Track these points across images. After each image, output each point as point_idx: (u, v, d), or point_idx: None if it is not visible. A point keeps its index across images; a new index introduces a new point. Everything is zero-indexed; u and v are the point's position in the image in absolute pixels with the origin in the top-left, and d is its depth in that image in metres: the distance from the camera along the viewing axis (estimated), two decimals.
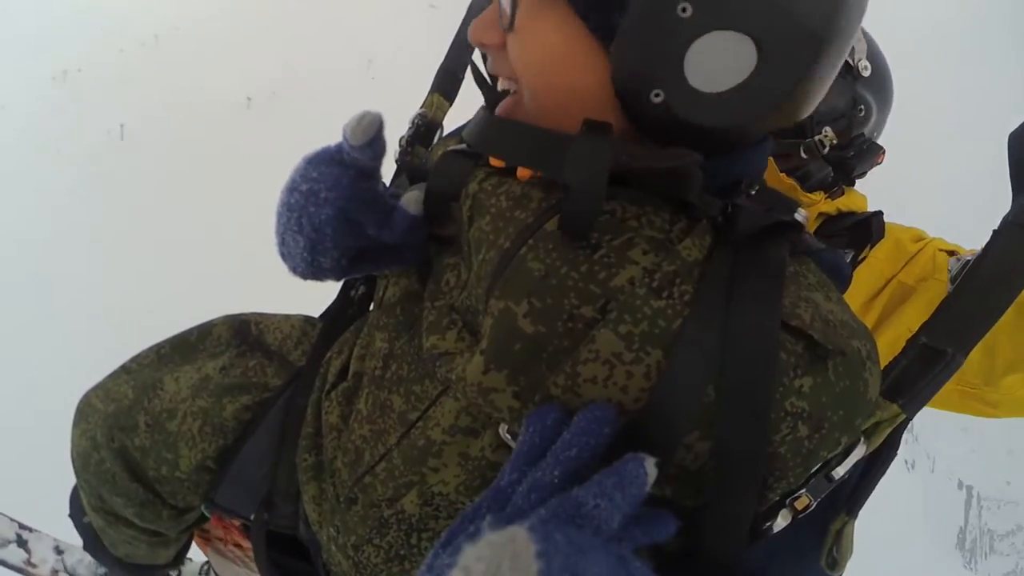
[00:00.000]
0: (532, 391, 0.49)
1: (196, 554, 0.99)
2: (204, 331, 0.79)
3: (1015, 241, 0.53)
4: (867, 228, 1.08)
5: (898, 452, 0.54)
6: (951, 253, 0.88)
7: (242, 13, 2.52)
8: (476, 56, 0.72)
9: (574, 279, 0.48)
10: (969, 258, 0.54)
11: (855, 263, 1.05)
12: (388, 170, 0.65)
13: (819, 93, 0.54)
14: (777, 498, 0.49)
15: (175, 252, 2.02)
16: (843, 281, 0.55)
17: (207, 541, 0.93)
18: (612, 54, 0.49)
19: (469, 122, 0.60)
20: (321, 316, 0.84)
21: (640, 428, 0.45)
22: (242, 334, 0.79)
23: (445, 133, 0.81)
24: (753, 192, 0.52)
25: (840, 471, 0.50)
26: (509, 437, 0.52)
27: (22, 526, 0.95)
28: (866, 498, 0.54)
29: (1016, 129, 0.57)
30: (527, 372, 0.49)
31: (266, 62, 2.39)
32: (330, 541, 0.64)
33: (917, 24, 3.06)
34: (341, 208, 0.57)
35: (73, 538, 0.93)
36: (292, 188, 0.58)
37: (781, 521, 0.49)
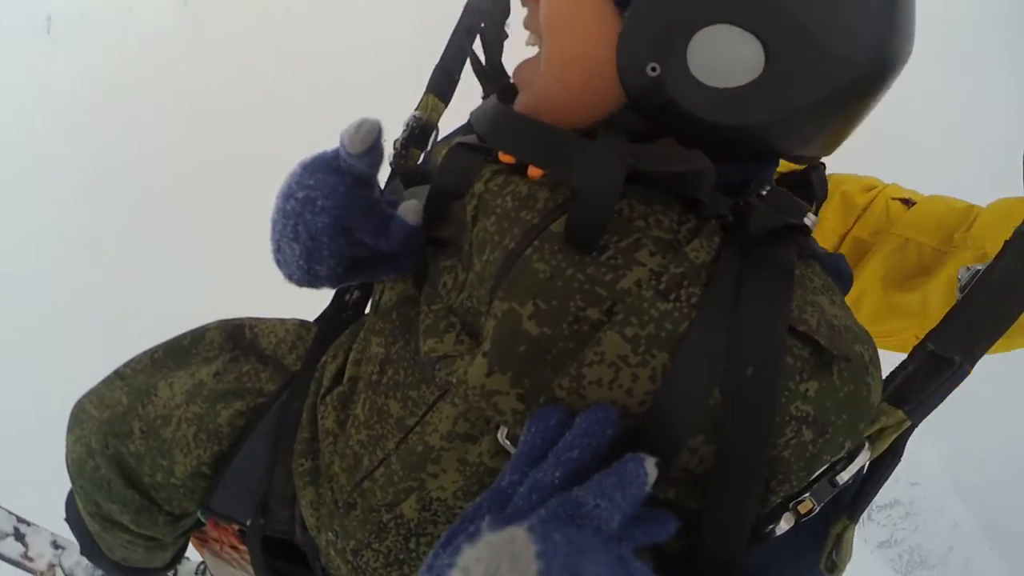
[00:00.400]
0: (536, 393, 0.48)
1: (192, 553, 0.99)
2: (197, 336, 0.79)
3: None
4: (808, 187, 1.02)
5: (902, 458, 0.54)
6: (904, 201, 0.84)
7: None
8: (477, 48, 0.72)
9: (580, 281, 0.48)
10: (979, 267, 0.53)
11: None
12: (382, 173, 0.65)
13: (842, 129, 0.54)
14: (779, 500, 0.49)
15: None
16: (845, 284, 0.55)
17: (203, 543, 0.93)
18: (624, 20, 0.49)
19: (477, 110, 0.59)
20: (316, 320, 0.84)
21: (644, 431, 0.45)
22: (235, 338, 0.79)
23: (440, 136, 0.80)
24: (764, 192, 0.51)
25: (844, 476, 0.49)
26: (508, 443, 0.52)
27: (20, 519, 0.95)
28: (868, 503, 0.54)
29: None
30: (531, 374, 0.49)
31: None
32: (328, 545, 0.63)
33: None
34: (338, 216, 0.56)
35: (71, 534, 0.93)
36: (288, 195, 0.57)
37: (784, 524, 0.49)
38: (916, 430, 0.53)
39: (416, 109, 0.79)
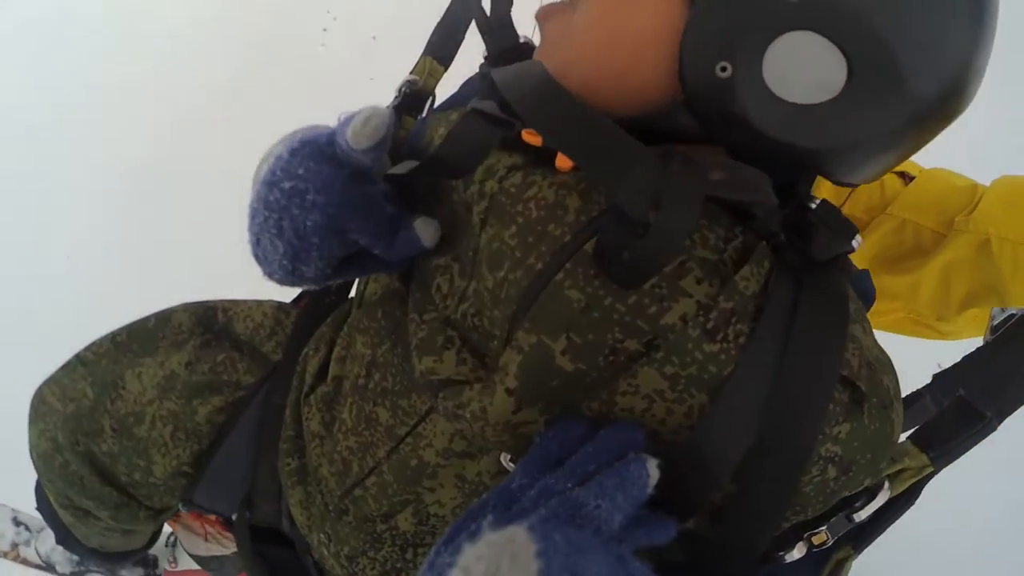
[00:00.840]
0: (563, 411, 0.45)
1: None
2: (163, 318, 0.72)
3: None
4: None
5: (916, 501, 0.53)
6: (901, 175, 0.78)
7: None
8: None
9: (620, 312, 0.43)
10: (1015, 312, 0.51)
11: None
12: None
13: (895, 161, 0.49)
14: (790, 526, 0.48)
15: None
16: (868, 304, 0.53)
17: (176, 519, 0.90)
18: (697, 3, 0.43)
19: (506, 73, 0.49)
20: (293, 301, 0.78)
21: (677, 470, 0.42)
22: (206, 322, 0.72)
23: (437, 103, 0.72)
24: (814, 205, 0.46)
25: (863, 515, 0.49)
26: (512, 466, 0.49)
27: None
28: (876, 537, 0.53)
29: None
30: (562, 401, 0.45)
31: None
32: (321, 546, 0.61)
33: None
34: (331, 216, 0.49)
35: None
36: (271, 183, 0.49)
37: (796, 553, 0.49)
38: None
39: (411, 72, 0.70)
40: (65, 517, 0.75)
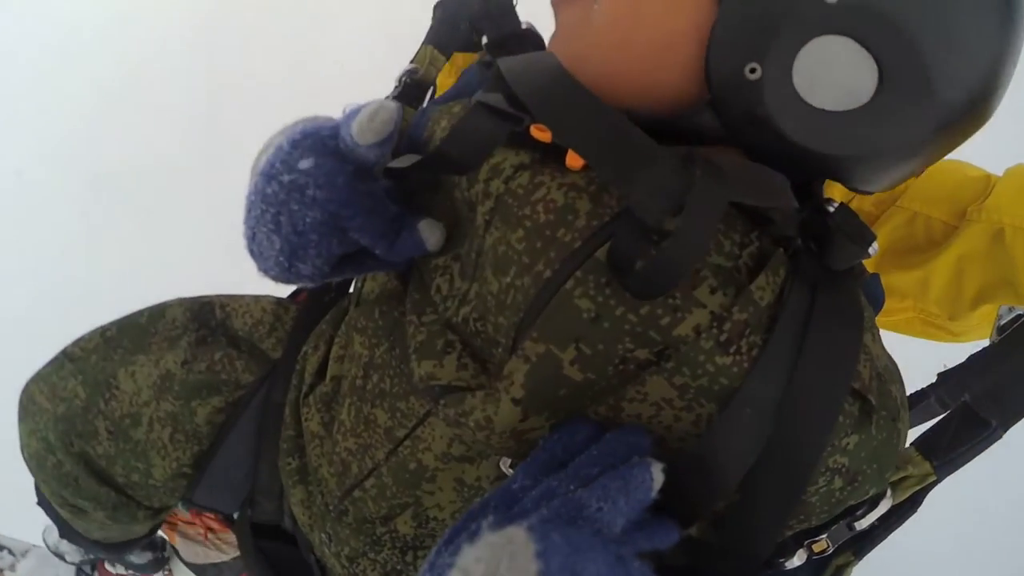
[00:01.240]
0: (569, 416, 0.44)
1: None
2: (156, 313, 0.69)
3: None
4: None
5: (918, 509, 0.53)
6: None
7: None
8: None
9: (631, 323, 0.42)
10: (1022, 311, 0.50)
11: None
12: None
13: (915, 171, 0.48)
14: (792, 533, 0.48)
15: None
16: (876, 309, 0.52)
17: (172, 528, 0.88)
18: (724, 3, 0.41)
19: (514, 64, 0.47)
20: (291, 296, 0.76)
21: (682, 477, 0.41)
22: (202, 317, 0.70)
23: (438, 95, 0.70)
24: (831, 209, 0.45)
25: (864, 523, 0.49)
26: (511, 472, 0.48)
27: None
28: (877, 544, 0.53)
29: None
30: (569, 408, 0.44)
31: None
32: (322, 545, 0.60)
33: None
34: (333, 214, 0.47)
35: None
36: (270, 175, 0.47)
37: (796, 560, 0.49)
38: None
39: (412, 61, 0.68)
40: (63, 513, 0.73)
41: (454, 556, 0.33)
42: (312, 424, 0.59)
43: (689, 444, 0.42)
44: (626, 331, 0.42)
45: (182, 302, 0.71)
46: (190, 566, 0.93)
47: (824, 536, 0.49)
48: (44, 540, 0.86)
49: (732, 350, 0.41)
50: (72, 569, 0.88)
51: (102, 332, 0.68)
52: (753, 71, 0.41)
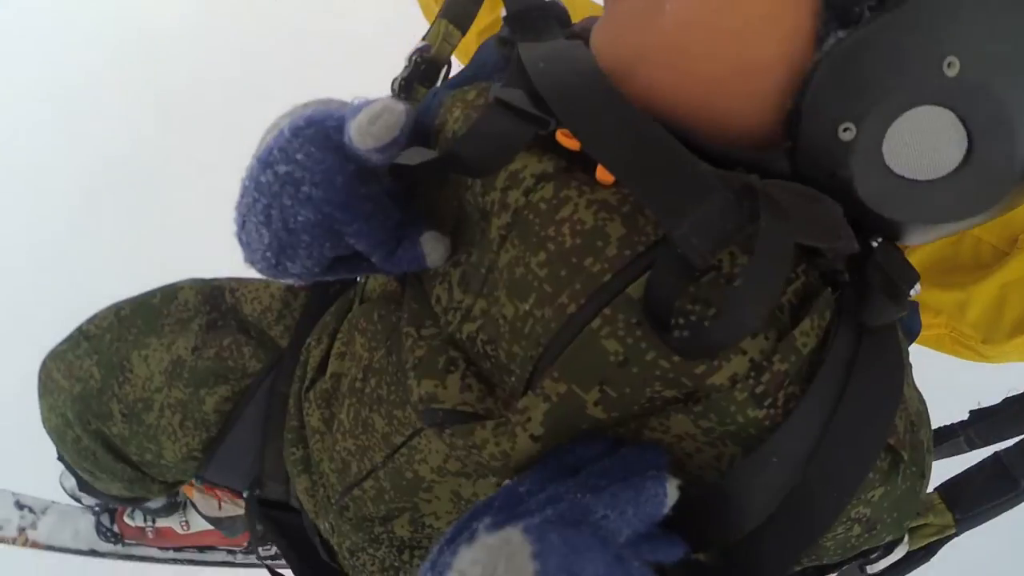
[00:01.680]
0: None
1: None
2: (168, 295, 0.69)
3: None
4: None
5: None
6: None
7: None
8: None
9: (663, 369, 0.39)
10: None
11: None
12: None
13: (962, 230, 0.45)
14: (800, 568, 0.47)
15: None
16: (914, 337, 0.49)
17: (190, 484, 0.90)
18: (830, 49, 0.35)
19: (535, 54, 0.42)
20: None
21: (695, 505, 0.40)
22: (213, 300, 0.70)
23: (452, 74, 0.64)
24: (876, 244, 0.41)
25: (877, 568, 0.48)
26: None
27: None
28: None
29: None
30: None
31: None
32: (326, 533, 0.61)
33: None
34: (327, 215, 0.43)
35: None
36: (266, 162, 0.43)
37: None
38: None
39: (424, 38, 0.62)
40: (83, 475, 0.75)
41: (453, 556, 0.32)
42: (313, 419, 0.59)
43: (708, 474, 0.41)
44: (656, 376, 0.39)
45: (193, 284, 0.70)
46: (206, 518, 0.96)
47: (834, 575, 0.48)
48: (61, 484, 0.89)
49: (767, 403, 0.38)
50: (92, 522, 0.91)
51: (116, 311, 0.69)
52: (847, 131, 0.36)
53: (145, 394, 0.65)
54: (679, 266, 0.36)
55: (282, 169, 0.42)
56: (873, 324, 0.39)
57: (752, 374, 0.38)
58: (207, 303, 0.69)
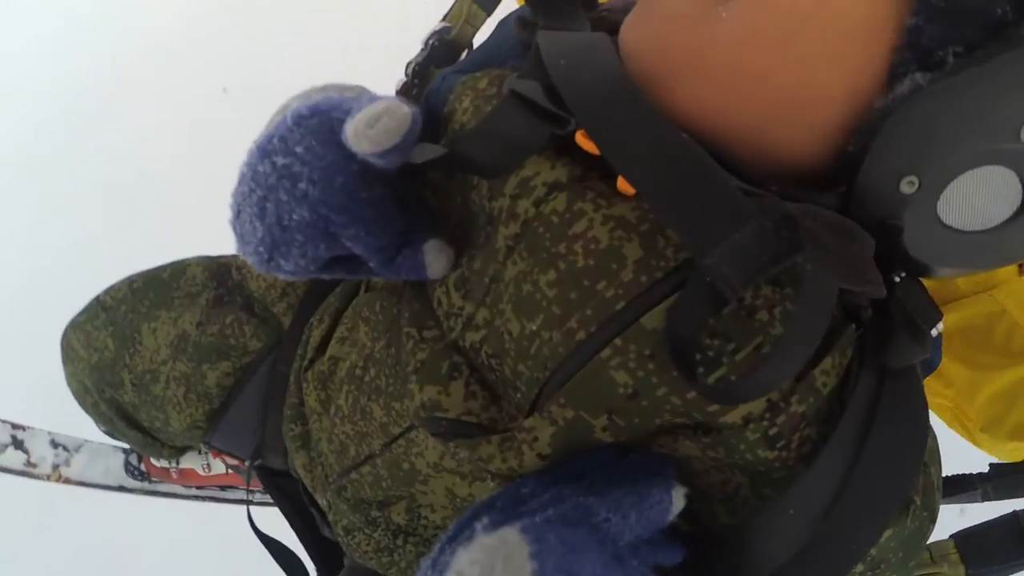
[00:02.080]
0: None
1: None
2: (177, 269, 0.71)
3: None
4: None
5: None
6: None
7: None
8: None
9: (674, 404, 0.37)
10: None
11: None
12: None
13: None
14: None
15: None
16: (931, 371, 0.48)
17: None
18: (907, 88, 0.32)
19: (555, 44, 0.39)
20: None
21: (710, 551, 0.39)
22: (220, 276, 0.71)
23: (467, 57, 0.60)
24: (899, 279, 0.38)
25: None
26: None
27: (15, 426, 0.91)
28: None
29: None
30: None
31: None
32: (324, 507, 0.63)
33: None
34: (323, 216, 0.39)
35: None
36: (265, 151, 0.40)
37: None
38: None
39: (444, 19, 0.58)
40: (105, 432, 0.79)
41: (452, 556, 0.33)
42: (311, 400, 0.60)
43: (715, 495, 0.41)
44: (666, 410, 0.38)
45: (201, 261, 0.72)
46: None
47: None
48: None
49: (779, 445, 0.37)
50: (121, 460, 0.96)
51: (130, 283, 0.71)
52: (910, 184, 0.34)
53: (152, 366, 0.67)
54: (704, 299, 0.34)
55: (280, 161, 0.39)
56: (896, 366, 0.37)
57: (767, 415, 0.36)
58: (214, 279, 0.70)
